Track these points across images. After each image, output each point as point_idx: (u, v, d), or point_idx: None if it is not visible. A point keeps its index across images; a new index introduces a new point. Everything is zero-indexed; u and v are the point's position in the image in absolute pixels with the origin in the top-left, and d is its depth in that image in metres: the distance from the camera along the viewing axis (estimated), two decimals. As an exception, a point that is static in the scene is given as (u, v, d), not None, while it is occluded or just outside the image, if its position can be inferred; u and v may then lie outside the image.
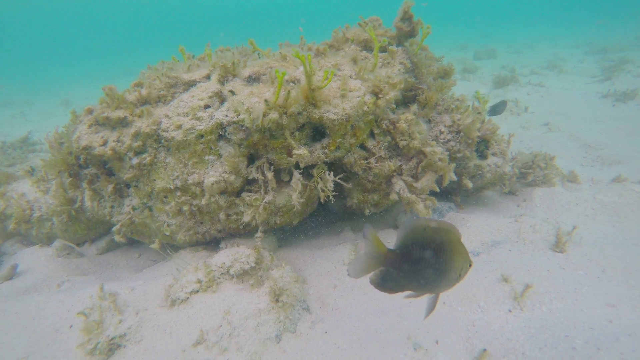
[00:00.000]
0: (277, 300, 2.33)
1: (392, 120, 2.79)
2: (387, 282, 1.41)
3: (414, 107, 2.82)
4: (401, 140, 2.75)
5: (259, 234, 2.69)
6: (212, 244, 3.14)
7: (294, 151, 2.46)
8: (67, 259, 3.31)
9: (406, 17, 3.06)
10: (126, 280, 2.82)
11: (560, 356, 1.90)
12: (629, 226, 3.37)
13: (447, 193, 3.81)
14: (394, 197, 2.78)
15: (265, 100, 2.37)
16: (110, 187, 3.04)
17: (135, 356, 2.17)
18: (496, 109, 5.03)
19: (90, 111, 2.89)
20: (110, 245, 3.62)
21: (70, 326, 2.35)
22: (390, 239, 3.25)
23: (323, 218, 3.71)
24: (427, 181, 2.75)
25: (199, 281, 2.43)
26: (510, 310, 2.33)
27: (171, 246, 3.27)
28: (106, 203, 3.15)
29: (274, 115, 2.37)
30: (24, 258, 3.31)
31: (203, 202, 2.64)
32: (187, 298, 2.40)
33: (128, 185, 3.07)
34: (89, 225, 3.45)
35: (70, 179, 3.01)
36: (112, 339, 2.19)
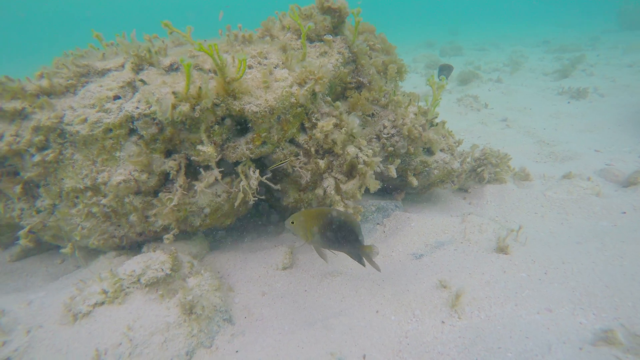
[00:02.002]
0: (191, 312, 2.08)
1: (325, 113, 2.58)
2: None
3: (338, 104, 2.63)
4: (324, 144, 2.57)
5: (168, 236, 2.43)
6: (134, 248, 2.85)
7: (199, 147, 2.21)
8: (-32, 268, 2.94)
9: (324, 7, 2.86)
10: (28, 292, 2.50)
11: (488, 371, 1.75)
12: (575, 223, 3.30)
13: (393, 190, 3.64)
14: (319, 192, 2.58)
15: (174, 92, 2.11)
16: (18, 188, 2.70)
17: (22, 383, 1.89)
18: (443, 71, 5.98)
19: (-19, 101, 2.53)
20: (28, 251, 3.27)
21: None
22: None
23: (264, 218, 3.47)
24: (352, 186, 2.58)
25: (104, 292, 2.15)
26: (446, 319, 2.17)
27: (93, 251, 2.96)
28: (15, 205, 2.80)
29: (184, 107, 2.11)
30: None
31: (105, 201, 2.35)
32: (90, 311, 2.12)
33: (38, 186, 2.74)
34: (-2, 229, 3.08)
35: (-34, 177, 2.65)
36: (-12, 365, 1.89)
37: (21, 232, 2.73)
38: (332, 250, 2.10)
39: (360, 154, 2.68)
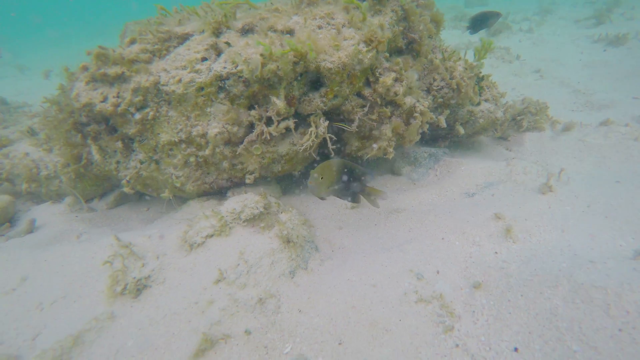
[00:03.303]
0: (288, 241, 2.49)
1: (387, 67, 2.85)
2: None
3: (399, 60, 2.90)
4: (387, 96, 2.89)
5: (249, 176, 2.83)
6: (218, 194, 3.26)
7: (273, 98, 2.56)
8: (80, 213, 3.42)
9: None
10: (141, 230, 2.96)
11: (547, 277, 2.11)
12: (613, 165, 3.55)
13: (438, 138, 3.92)
14: (375, 133, 2.93)
15: (261, 55, 2.42)
16: (119, 144, 3.09)
17: (162, 294, 2.35)
18: (490, 19, 4.60)
19: (85, 68, 2.89)
20: (119, 200, 3.74)
21: (98, 271, 2.50)
22: (389, 184, 3.41)
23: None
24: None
25: (213, 226, 2.57)
26: (503, 243, 2.53)
27: (178, 198, 3.40)
28: (111, 159, 3.22)
29: (272, 65, 2.42)
30: (38, 214, 3.42)
31: (207, 152, 2.74)
32: (203, 242, 2.56)
33: (132, 140, 3.13)
34: (96, 181, 3.54)
35: (78, 134, 3.05)
36: (138, 280, 2.36)
37: (123, 182, 3.17)
38: (336, 196, 2.42)
39: (417, 104, 2.97)
